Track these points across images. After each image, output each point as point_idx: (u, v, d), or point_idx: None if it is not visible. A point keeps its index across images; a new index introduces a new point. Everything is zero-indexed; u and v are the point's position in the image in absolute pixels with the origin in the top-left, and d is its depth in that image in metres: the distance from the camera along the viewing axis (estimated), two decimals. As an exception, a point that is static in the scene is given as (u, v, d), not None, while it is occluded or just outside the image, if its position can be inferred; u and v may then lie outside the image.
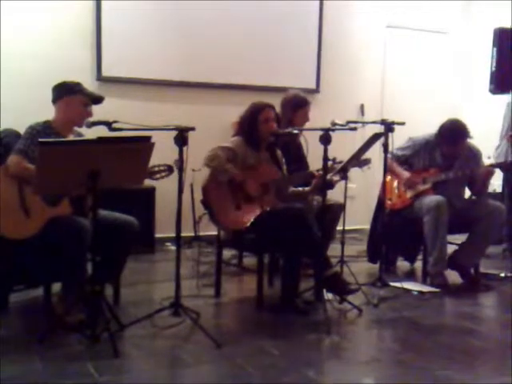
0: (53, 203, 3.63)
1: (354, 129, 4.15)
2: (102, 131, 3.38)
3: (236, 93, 6.14)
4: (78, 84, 3.81)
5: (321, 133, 3.85)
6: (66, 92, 3.78)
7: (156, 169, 3.91)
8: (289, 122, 4.63)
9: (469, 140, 4.84)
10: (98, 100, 3.85)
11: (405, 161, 5.04)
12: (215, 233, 4.42)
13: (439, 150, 4.90)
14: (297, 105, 4.82)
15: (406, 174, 4.93)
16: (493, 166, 5.20)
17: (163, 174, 3.95)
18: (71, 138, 3.80)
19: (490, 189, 6.35)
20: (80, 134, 3.89)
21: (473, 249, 4.83)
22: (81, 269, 3.56)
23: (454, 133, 4.79)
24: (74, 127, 3.86)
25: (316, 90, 6.64)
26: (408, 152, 5.00)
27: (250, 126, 4.21)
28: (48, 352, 3.16)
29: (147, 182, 4.25)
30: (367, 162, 4.45)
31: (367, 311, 4.06)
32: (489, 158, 5.71)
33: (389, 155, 4.56)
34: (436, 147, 4.91)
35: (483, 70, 6.24)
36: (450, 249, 4.85)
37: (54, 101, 3.80)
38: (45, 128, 3.73)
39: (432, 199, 4.71)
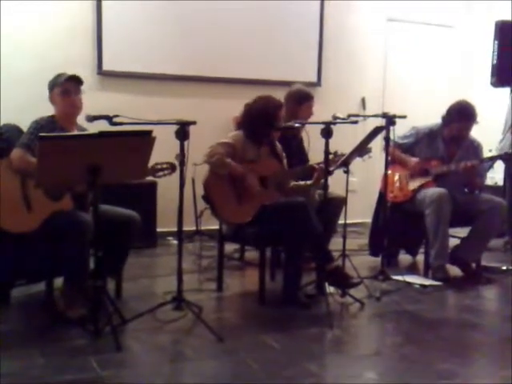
0: (55, 198, 3.64)
1: (356, 122, 4.14)
2: (103, 126, 3.37)
3: (237, 87, 6.13)
4: (59, 75, 3.78)
5: (322, 126, 3.85)
6: (50, 88, 3.80)
7: (158, 166, 3.91)
8: (293, 115, 4.62)
9: (475, 125, 4.83)
10: (73, 79, 3.77)
11: (406, 150, 5.03)
12: (217, 227, 4.42)
13: (442, 137, 4.90)
14: (302, 99, 4.82)
15: (413, 160, 4.92)
16: (494, 157, 5.20)
17: (166, 172, 3.95)
18: (75, 132, 3.79)
19: (491, 182, 6.36)
20: (84, 129, 3.88)
21: (474, 243, 4.82)
22: (83, 263, 3.57)
23: (463, 110, 4.78)
24: (77, 122, 3.85)
25: (317, 84, 6.62)
26: (411, 140, 5.00)
27: (265, 122, 4.16)
28: (50, 346, 3.17)
29: (149, 177, 4.24)
30: (368, 150, 4.44)
31: (369, 305, 4.07)
32: (490, 151, 5.70)
33: (390, 143, 4.56)
34: (439, 136, 4.91)
35: (485, 63, 6.22)
36: (452, 242, 4.85)
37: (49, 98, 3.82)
38: (49, 122, 3.73)
39: (434, 192, 4.70)
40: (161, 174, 3.95)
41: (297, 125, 4.28)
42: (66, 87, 3.75)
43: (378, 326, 3.85)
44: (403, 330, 3.69)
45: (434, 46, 7.30)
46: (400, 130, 4.62)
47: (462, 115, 4.79)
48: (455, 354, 3.27)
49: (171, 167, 3.93)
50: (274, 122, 4.17)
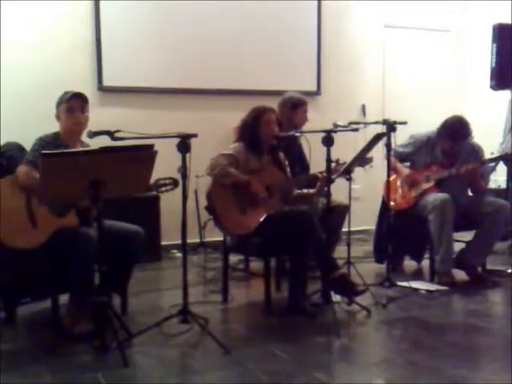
0: (60, 214, 3.64)
1: (356, 130, 4.15)
2: (105, 141, 3.38)
3: (237, 98, 6.14)
4: (66, 93, 3.79)
5: (323, 135, 3.85)
6: (57, 105, 3.80)
7: (161, 182, 3.92)
8: (289, 122, 4.65)
9: (469, 139, 4.84)
10: (78, 97, 3.77)
11: (406, 158, 5.04)
12: (221, 238, 4.42)
13: (440, 146, 4.90)
14: (295, 105, 4.87)
15: (405, 172, 4.93)
16: (495, 158, 5.20)
17: (168, 187, 3.96)
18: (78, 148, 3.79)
19: (495, 185, 6.36)
20: (88, 146, 3.88)
21: (479, 247, 4.81)
22: (88, 279, 3.56)
23: (455, 129, 4.78)
24: (81, 138, 3.86)
25: (317, 92, 6.64)
26: (409, 149, 5.01)
27: (252, 130, 4.21)
28: (57, 363, 3.16)
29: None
30: (369, 160, 4.45)
31: (376, 312, 4.05)
32: (492, 154, 5.70)
33: (391, 152, 4.57)
34: (437, 144, 4.91)
35: (483, 66, 6.23)
36: (457, 246, 4.84)
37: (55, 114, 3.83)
38: (54, 139, 3.74)
39: (436, 197, 4.70)
40: (163, 189, 3.96)
41: (297, 134, 4.30)
42: (71, 105, 3.74)
43: (385, 333, 3.83)
44: (411, 337, 3.68)
45: (433, 50, 7.31)
46: (401, 136, 4.62)
47: (452, 134, 4.78)
48: (463, 359, 3.25)
49: (174, 182, 3.93)
50: (259, 128, 4.19)
